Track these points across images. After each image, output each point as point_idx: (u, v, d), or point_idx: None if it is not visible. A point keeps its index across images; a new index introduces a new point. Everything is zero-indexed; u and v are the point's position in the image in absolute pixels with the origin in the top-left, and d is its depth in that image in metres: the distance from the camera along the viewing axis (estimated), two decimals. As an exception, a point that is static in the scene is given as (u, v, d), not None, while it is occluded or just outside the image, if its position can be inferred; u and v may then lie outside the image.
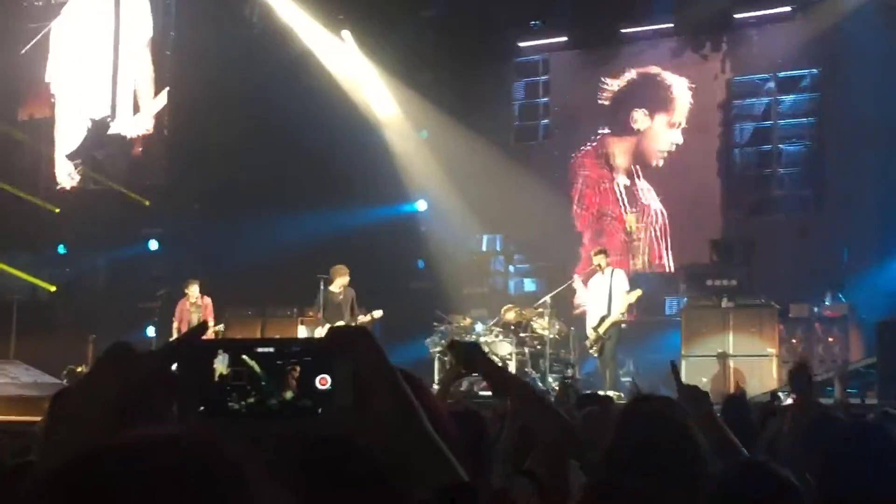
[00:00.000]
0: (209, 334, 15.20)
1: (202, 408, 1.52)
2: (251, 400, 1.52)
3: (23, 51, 22.08)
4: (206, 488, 1.13)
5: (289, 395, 1.51)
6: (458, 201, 19.44)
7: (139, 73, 21.46)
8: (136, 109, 21.41)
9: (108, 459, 1.15)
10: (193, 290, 16.38)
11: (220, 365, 1.53)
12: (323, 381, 1.50)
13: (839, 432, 3.60)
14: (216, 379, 1.53)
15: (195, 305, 16.28)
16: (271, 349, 1.53)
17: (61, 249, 20.54)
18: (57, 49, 22.16)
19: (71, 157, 21.88)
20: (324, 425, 1.50)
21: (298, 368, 1.52)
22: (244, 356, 1.53)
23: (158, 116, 21.16)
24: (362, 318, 15.33)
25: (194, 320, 15.95)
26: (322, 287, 15.67)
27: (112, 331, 17.50)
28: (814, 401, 8.51)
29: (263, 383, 1.52)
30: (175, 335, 15.73)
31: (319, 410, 1.50)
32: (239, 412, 1.51)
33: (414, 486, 1.47)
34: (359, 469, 1.54)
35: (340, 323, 14.74)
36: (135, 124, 21.35)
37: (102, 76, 21.78)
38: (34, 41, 22.04)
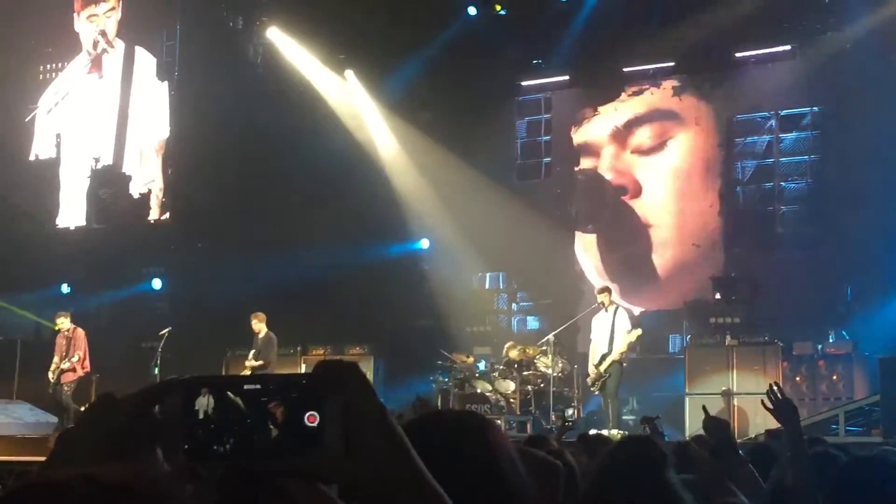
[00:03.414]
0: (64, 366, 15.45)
1: (186, 446, 1.49)
2: (235, 439, 1.48)
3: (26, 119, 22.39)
4: None
5: (274, 432, 1.47)
6: (461, 239, 19.45)
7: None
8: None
9: (25, 497, 1.16)
10: (62, 323, 16.40)
11: (205, 403, 1.49)
12: (312, 419, 1.45)
13: (840, 471, 3.59)
14: (200, 417, 1.49)
15: (66, 338, 16.28)
16: (258, 386, 1.48)
17: (65, 289, 20.52)
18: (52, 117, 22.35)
19: (74, 196, 21.95)
20: (311, 466, 1.48)
21: (284, 406, 1.48)
22: (229, 392, 1.49)
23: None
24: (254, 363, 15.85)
25: (64, 353, 16.07)
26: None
27: (115, 370, 17.47)
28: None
29: (248, 421, 1.48)
30: (52, 368, 15.93)
31: (306, 450, 1.46)
32: (223, 453, 1.48)
33: None
34: None
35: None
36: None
37: (108, 128, 21.93)
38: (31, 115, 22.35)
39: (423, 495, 1.44)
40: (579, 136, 20.17)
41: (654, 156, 19.46)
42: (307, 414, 1.45)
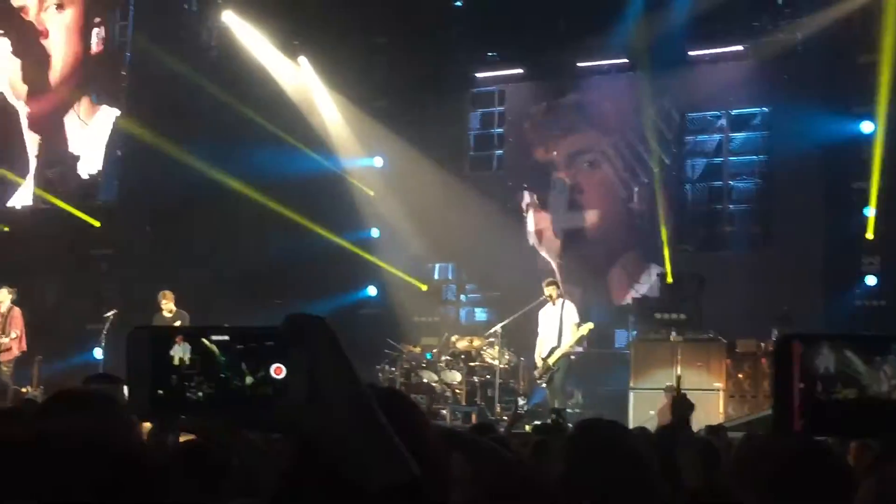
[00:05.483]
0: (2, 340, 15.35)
1: (161, 392, 1.51)
2: (210, 387, 1.50)
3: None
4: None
5: (248, 380, 1.49)
6: (412, 229, 19.46)
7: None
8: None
9: None
10: (1, 297, 16.25)
11: (179, 352, 1.51)
12: (278, 370, 1.47)
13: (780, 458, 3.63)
14: (175, 364, 1.50)
15: (2, 316, 16.12)
16: (226, 337, 1.52)
17: (9, 269, 20.22)
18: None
19: (21, 175, 21.65)
20: (281, 415, 1.48)
21: (253, 356, 1.50)
22: (204, 339, 1.51)
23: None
24: None
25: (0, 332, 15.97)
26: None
27: (59, 352, 17.31)
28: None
29: (223, 369, 1.50)
30: None
31: (273, 400, 1.48)
32: (198, 400, 1.50)
33: (365, 481, 1.45)
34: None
35: None
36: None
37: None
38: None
39: (383, 447, 1.46)
40: (532, 131, 20.26)
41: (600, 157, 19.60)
42: (274, 365, 1.47)
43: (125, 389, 1.56)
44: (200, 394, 1.49)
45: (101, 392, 2.49)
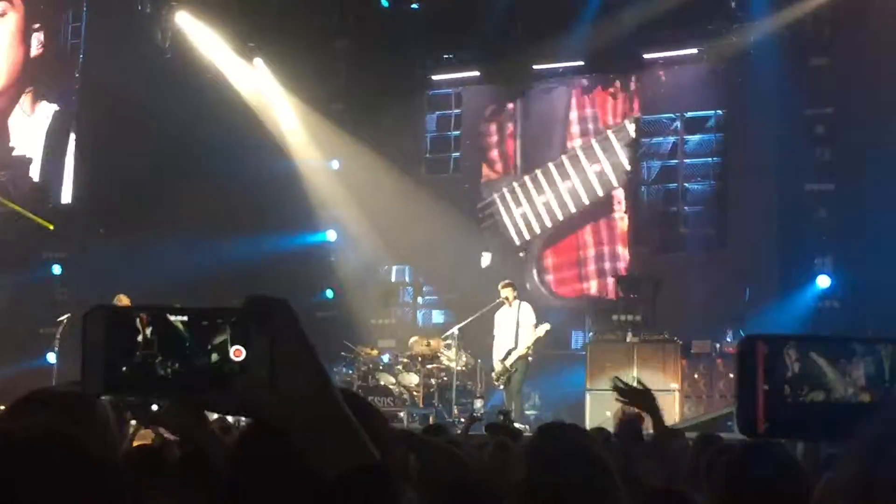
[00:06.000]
0: None
1: (124, 369, 1.48)
2: (176, 364, 1.47)
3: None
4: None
5: (214, 357, 1.46)
6: (369, 231, 19.42)
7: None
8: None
9: None
10: None
11: (141, 329, 1.48)
12: (237, 353, 1.45)
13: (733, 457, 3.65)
14: (138, 341, 1.48)
15: None
16: (185, 318, 1.49)
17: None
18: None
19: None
20: (244, 396, 1.45)
21: (220, 333, 1.47)
22: (168, 315, 1.48)
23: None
24: None
25: None
26: None
27: (11, 356, 17.10)
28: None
29: (187, 346, 1.48)
30: None
31: (232, 382, 1.45)
32: (165, 377, 1.48)
33: (326, 466, 1.44)
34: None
35: None
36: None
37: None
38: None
39: (343, 433, 1.45)
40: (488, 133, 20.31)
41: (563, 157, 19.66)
42: (233, 347, 1.45)
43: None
44: (169, 370, 1.47)
45: (76, 392, 2.45)
